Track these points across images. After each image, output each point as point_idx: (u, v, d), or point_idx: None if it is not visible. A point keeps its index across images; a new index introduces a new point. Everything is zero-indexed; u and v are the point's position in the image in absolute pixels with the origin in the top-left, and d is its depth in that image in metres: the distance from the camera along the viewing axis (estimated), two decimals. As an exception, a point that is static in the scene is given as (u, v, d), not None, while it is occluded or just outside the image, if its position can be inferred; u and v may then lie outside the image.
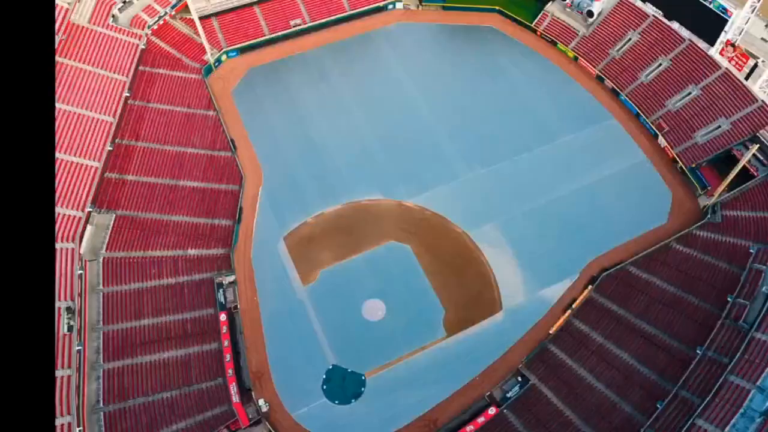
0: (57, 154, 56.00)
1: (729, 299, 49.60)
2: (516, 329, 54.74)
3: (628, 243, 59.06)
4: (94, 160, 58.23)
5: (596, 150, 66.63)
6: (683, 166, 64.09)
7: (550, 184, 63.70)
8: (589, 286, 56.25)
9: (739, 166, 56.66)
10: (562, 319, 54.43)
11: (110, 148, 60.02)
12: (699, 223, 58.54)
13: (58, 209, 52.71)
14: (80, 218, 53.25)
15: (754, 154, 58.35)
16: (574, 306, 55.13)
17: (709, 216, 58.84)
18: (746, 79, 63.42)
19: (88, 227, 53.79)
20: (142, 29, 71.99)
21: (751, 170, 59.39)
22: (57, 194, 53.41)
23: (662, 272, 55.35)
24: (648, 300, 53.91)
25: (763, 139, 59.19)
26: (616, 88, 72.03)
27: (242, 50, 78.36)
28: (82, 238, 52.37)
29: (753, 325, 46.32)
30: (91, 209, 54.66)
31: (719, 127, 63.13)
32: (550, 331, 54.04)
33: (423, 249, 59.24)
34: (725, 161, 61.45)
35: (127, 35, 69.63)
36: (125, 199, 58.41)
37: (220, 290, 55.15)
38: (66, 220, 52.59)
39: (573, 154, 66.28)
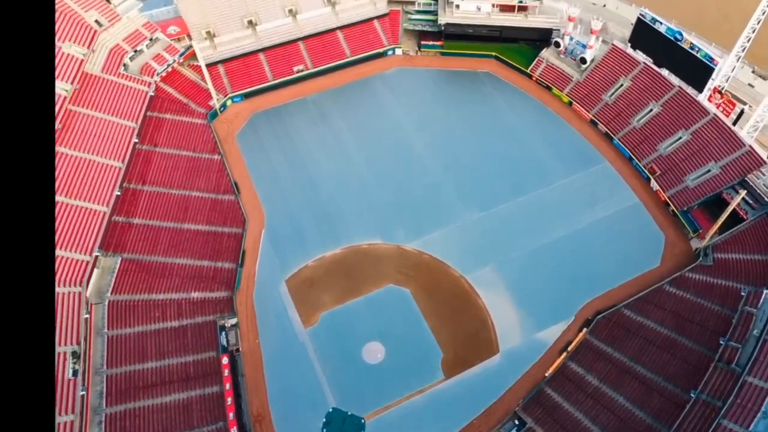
0: (67, 200, 57.75)
1: (721, 342, 50.45)
2: (513, 371, 55.54)
3: (622, 285, 60.27)
4: (102, 205, 59.94)
5: (590, 193, 68.40)
6: (675, 209, 65.64)
7: (546, 227, 65.18)
8: (584, 329, 57.20)
9: (729, 210, 58.10)
10: (558, 362, 55.25)
11: (118, 193, 61.86)
12: (691, 266, 59.66)
13: (66, 253, 54.22)
14: (87, 262, 54.70)
15: (743, 198, 59.90)
16: (569, 348, 56.00)
17: (701, 258, 60.05)
18: (734, 124, 65.37)
19: (95, 270, 55.21)
20: (152, 76, 74.67)
21: (741, 213, 60.87)
22: (66, 239, 54.97)
23: (656, 315, 56.28)
24: (642, 342, 54.74)
25: (751, 183, 60.83)
26: (609, 132, 74.13)
27: (247, 95, 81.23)
28: (88, 282, 53.73)
29: (745, 369, 47.08)
30: (98, 253, 56.19)
31: (709, 171, 64.87)
32: (546, 374, 54.81)
33: (422, 292, 60.45)
34: (716, 204, 63.00)
35: (137, 83, 72.27)
36: (131, 242, 59.98)
37: (223, 333, 56.23)
38: (73, 264, 53.97)
39: (568, 197, 68.00)
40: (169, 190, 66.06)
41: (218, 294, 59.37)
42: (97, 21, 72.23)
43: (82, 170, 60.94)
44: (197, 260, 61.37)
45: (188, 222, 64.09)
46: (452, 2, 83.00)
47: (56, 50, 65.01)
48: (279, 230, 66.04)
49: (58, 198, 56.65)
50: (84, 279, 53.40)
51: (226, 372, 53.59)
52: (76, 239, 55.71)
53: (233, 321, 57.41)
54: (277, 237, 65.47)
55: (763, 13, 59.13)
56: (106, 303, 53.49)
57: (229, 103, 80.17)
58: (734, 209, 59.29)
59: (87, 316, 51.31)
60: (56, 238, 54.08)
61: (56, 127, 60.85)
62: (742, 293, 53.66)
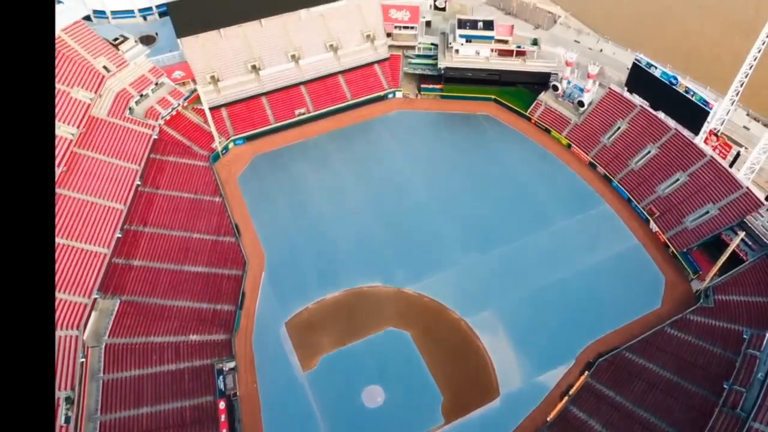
0: (67, 242, 58.00)
1: (725, 386, 49.75)
2: (514, 416, 54.67)
3: (623, 327, 59.87)
4: (103, 247, 60.16)
5: (590, 235, 68.49)
6: (675, 251, 65.63)
7: (545, 270, 65.05)
8: (586, 372, 56.48)
9: (728, 252, 58.05)
10: (559, 406, 54.43)
11: (119, 235, 62.19)
12: (692, 308, 59.30)
13: (65, 296, 54.06)
14: (86, 305, 54.46)
15: (742, 239, 59.87)
16: (571, 392, 55.21)
17: (702, 300, 59.70)
18: (730, 166, 65.91)
19: (93, 313, 55.08)
20: (156, 120, 75.91)
21: (741, 255, 60.81)
22: (65, 281, 54.90)
23: (658, 357, 55.69)
24: (645, 386, 54.05)
25: (750, 225, 60.93)
26: (608, 174, 74.68)
27: (249, 138, 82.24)
28: (86, 325, 53.48)
29: (750, 414, 46.29)
30: (97, 296, 56.16)
31: (708, 212, 65.14)
32: (548, 419, 53.90)
33: (421, 335, 60.01)
34: (715, 245, 63.03)
35: (142, 126, 73.48)
36: (131, 284, 60.04)
37: (220, 377, 55.65)
38: (72, 307, 53.65)
39: (567, 239, 68.05)
40: (169, 232, 66.45)
41: (217, 337, 59.05)
42: (105, 67, 74.07)
43: (84, 212, 61.41)
44: (196, 302, 61.27)
45: (188, 264, 64.22)
46: (452, 47, 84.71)
47: (65, 95, 66.64)
48: (279, 272, 66.01)
49: (58, 240, 56.99)
50: (82, 322, 53.07)
51: (223, 417, 52.95)
52: (75, 282, 55.68)
53: (231, 364, 56.93)
54: (277, 279, 65.41)
55: (755, 59, 60.32)
56: (103, 346, 53.29)
57: (231, 145, 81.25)
58: (734, 250, 59.24)
59: (83, 360, 50.94)
60: (55, 280, 54.13)
61: (61, 170, 61.73)
62: (744, 336, 53.27)
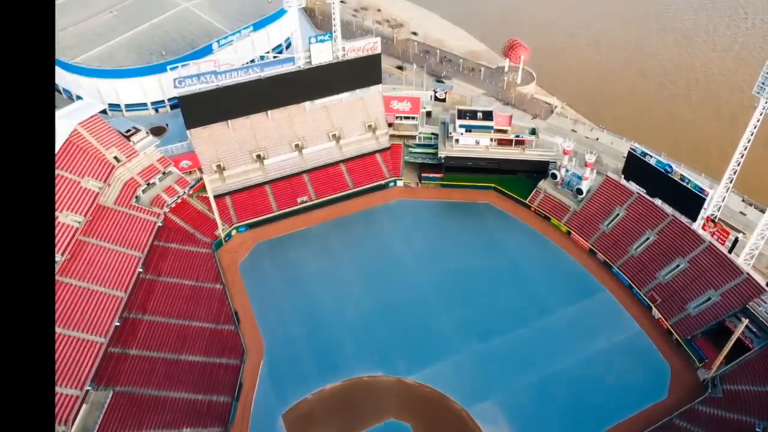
0: (64, 331, 57.39)
1: (741, 485, 47.40)
2: None
3: (629, 419, 57.69)
4: (100, 336, 59.36)
5: (591, 323, 67.50)
6: (679, 338, 64.40)
7: (547, 359, 63.70)
8: (594, 469, 54.06)
9: (733, 340, 56.91)
10: (567, 507, 51.64)
11: (118, 323, 61.76)
12: (700, 398, 57.51)
13: (56, 389, 52.50)
14: (77, 398, 52.57)
15: (747, 326, 58.86)
16: (579, 491, 52.58)
17: (709, 390, 57.94)
18: (730, 252, 65.88)
19: (83, 406, 53.21)
20: (162, 208, 77.46)
21: (746, 342, 59.58)
22: (58, 373, 53.56)
23: (669, 453, 53.42)
24: (657, 484, 51.46)
25: (753, 311, 60.12)
26: (607, 260, 74.68)
27: (251, 225, 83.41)
28: (74, 420, 51.27)
29: None
30: (89, 387, 54.87)
31: (710, 298, 64.51)
32: None
33: (423, 427, 58.07)
34: (720, 332, 61.83)
35: (147, 214, 74.91)
36: (125, 375, 58.72)
37: (212, 475, 53.47)
38: (62, 400, 51.73)
39: (569, 327, 67.00)
40: (168, 320, 66.05)
41: (211, 430, 57.16)
42: (116, 157, 76.65)
43: (84, 300, 61.17)
44: (192, 393, 59.79)
45: (185, 353, 63.30)
46: (452, 136, 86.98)
47: (75, 185, 68.67)
48: (278, 362, 64.87)
49: (56, 329, 56.57)
50: (71, 417, 50.78)
51: None
52: (68, 373, 54.04)
53: (224, 461, 54.89)
54: (275, 369, 64.21)
55: (745, 148, 61.81)
56: (91, 443, 51.19)
57: (234, 232, 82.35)
58: (739, 338, 58.08)
59: (67, 459, 48.73)
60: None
61: (64, 258, 62.45)
62: (757, 429, 51.28)
